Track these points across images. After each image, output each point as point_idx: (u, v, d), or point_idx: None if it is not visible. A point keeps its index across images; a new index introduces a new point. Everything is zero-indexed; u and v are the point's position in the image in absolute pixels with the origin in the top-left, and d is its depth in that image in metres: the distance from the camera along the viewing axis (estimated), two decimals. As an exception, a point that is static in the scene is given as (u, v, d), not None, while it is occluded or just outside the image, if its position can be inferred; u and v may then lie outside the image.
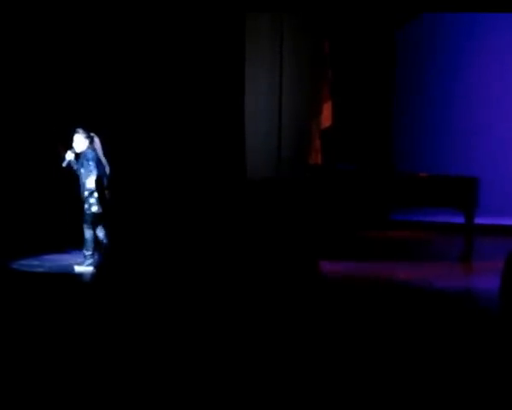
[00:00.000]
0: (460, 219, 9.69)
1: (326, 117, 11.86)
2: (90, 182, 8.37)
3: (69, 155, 8.50)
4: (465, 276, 9.13)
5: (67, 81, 10.33)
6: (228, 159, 11.32)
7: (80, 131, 8.51)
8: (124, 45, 10.80)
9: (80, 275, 8.35)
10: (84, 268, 8.36)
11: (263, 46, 12.10)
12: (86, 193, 8.38)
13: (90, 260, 8.37)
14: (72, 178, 8.66)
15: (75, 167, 8.51)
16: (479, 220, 9.75)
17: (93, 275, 8.37)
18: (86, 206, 8.39)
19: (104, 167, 8.51)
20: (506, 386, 2.08)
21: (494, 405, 2.04)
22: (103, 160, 8.52)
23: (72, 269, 8.39)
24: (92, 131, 8.57)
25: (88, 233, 8.39)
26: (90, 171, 8.38)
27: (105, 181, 8.49)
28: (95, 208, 8.34)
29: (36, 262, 8.77)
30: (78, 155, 8.50)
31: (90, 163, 8.39)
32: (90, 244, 8.40)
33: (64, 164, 8.51)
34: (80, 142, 8.48)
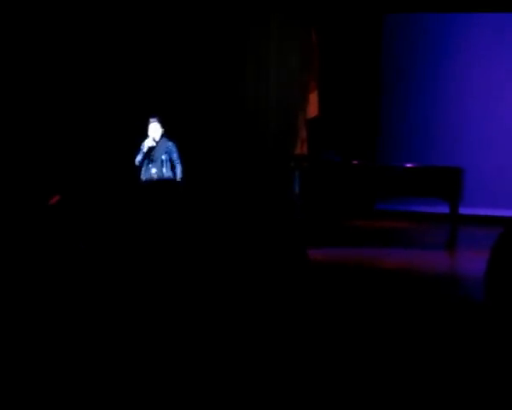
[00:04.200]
0: (445, 209, 9.80)
1: (313, 107, 11.89)
2: (178, 172, 8.44)
3: (149, 142, 8.50)
4: (450, 263, 9.24)
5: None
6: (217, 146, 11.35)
7: (155, 119, 8.56)
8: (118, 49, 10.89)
9: None
10: None
11: (250, 35, 12.10)
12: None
13: None
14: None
15: (144, 160, 8.55)
16: (463, 211, 9.86)
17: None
18: None
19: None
20: (490, 372, 2.13)
21: (479, 389, 2.08)
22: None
23: None
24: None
25: None
26: (175, 162, 8.48)
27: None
28: None
29: None
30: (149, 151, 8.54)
31: (174, 154, 8.48)
32: None
33: (144, 149, 8.47)
34: (157, 130, 8.56)
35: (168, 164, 8.53)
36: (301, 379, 1.75)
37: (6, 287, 1.87)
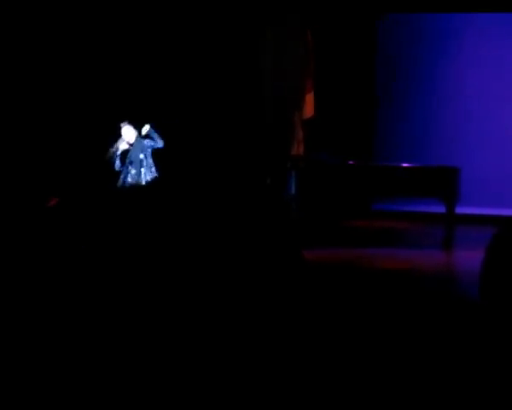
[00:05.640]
0: (442, 209, 9.81)
1: (309, 108, 11.90)
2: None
3: (124, 145, 8.44)
4: (446, 262, 9.27)
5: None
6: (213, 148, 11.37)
7: (126, 123, 8.52)
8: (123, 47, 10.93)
9: None
10: None
11: (246, 37, 12.12)
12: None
13: None
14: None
15: (119, 166, 8.50)
16: (460, 210, 9.88)
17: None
18: None
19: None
20: (487, 370, 2.15)
21: (476, 387, 2.10)
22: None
23: None
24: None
25: None
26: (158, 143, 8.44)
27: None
28: None
29: None
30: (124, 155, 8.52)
31: (157, 140, 8.46)
32: None
33: (118, 153, 8.43)
34: (130, 133, 8.50)
35: (147, 162, 8.49)
36: (299, 380, 1.76)
37: (6, 290, 1.89)
